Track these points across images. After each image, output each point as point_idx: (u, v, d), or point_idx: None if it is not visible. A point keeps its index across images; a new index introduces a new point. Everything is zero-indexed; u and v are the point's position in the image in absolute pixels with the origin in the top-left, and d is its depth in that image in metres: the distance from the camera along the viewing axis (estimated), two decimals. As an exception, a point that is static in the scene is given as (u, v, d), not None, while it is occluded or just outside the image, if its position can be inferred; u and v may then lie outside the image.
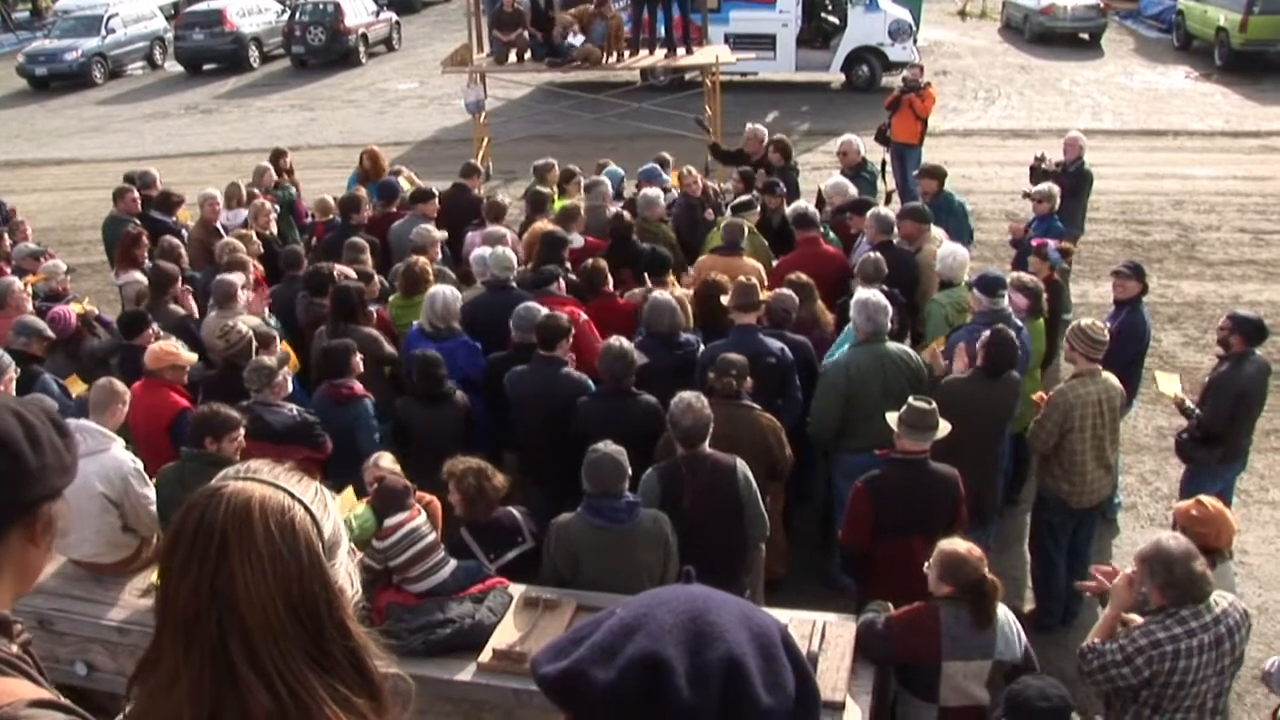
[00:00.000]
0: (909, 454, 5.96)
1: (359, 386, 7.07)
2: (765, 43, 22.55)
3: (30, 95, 28.62)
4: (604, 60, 17.36)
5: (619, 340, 6.81)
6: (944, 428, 5.96)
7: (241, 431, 5.95)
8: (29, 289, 8.79)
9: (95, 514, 5.79)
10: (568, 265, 8.63)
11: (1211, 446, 7.19)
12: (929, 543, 5.24)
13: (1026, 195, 10.92)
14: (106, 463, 5.86)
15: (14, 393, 6.66)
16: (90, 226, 14.61)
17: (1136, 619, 4.82)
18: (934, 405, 5.95)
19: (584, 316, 7.69)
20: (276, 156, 12.75)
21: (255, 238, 9.86)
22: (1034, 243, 9.06)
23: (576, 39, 17.22)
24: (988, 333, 6.90)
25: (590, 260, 8.38)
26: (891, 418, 6.04)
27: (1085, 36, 28.83)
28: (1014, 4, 30.87)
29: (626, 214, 9.67)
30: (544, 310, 7.35)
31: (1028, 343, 7.63)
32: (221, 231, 10.41)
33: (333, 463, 6.65)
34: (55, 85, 28.84)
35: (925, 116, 14.69)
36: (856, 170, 11.56)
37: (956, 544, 5.06)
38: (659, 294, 7.60)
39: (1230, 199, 16.43)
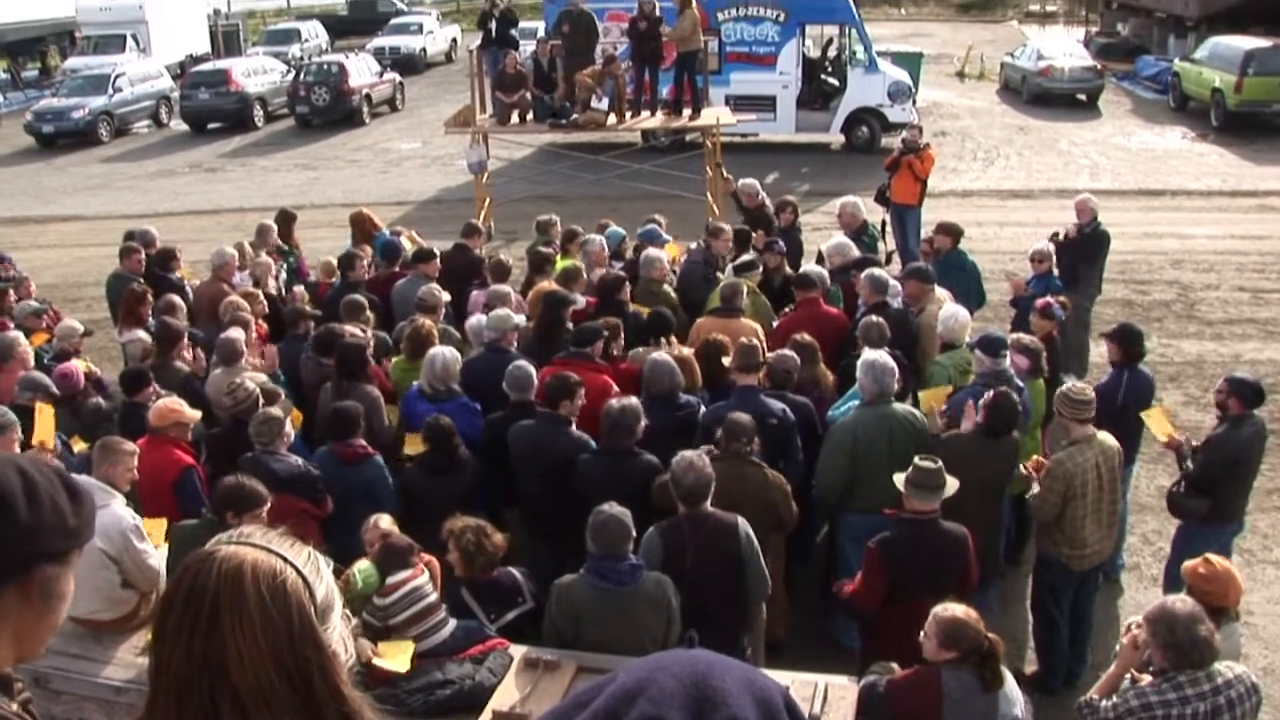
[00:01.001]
0: (919, 514, 5.95)
1: (369, 446, 7.08)
2: (765, 104, 22.79)
3: (37, 152, 28.89)
4: (608, 122, 17.51)
5: (621, 400, 6.81)
6: (952, 485, 5.94)
7: (265, 509, 5.79)
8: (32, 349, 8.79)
9: (94, 569, 5.75)
10: (569, 326, 8.60)
11: (1199, 497, 7.17)
12: (938, 603, 5.20)
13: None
14: (106, 519, 5.82)
15: (18, 449, 6.63)
16: (94, 283, 14.66)
17: (1146, 678, 4.77)
18: (940, 464, 5.95)
19: (615, 388, 7.60)
20: (289, 220, 12.77)
21: (261, 296, 9.90)
22: (1038, 303, 9.08)
23: (601, 103, 17.36)
24: (990, 393, 6.92)
25: (603, 320, 8.34)
26: (899, 479, 6.03)
27: (1083, 98, 29.17)
28: (1012, 65, 31.26)
29: (622, 273, 9.70)
30: (528, 368, 7.41)
31: (1028, 402, 7.63)
32: (233, 292, 10.42)
33: (339, 524, 6.63)
34: (62, 143, 29.11)
35: (924, 177, 14.79)
36: (857, 233, 11.56)
37: (954, 609, 5.01)
38: (658, 355, 7.61)
39: (1229, 258, 16.53)
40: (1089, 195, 12.20)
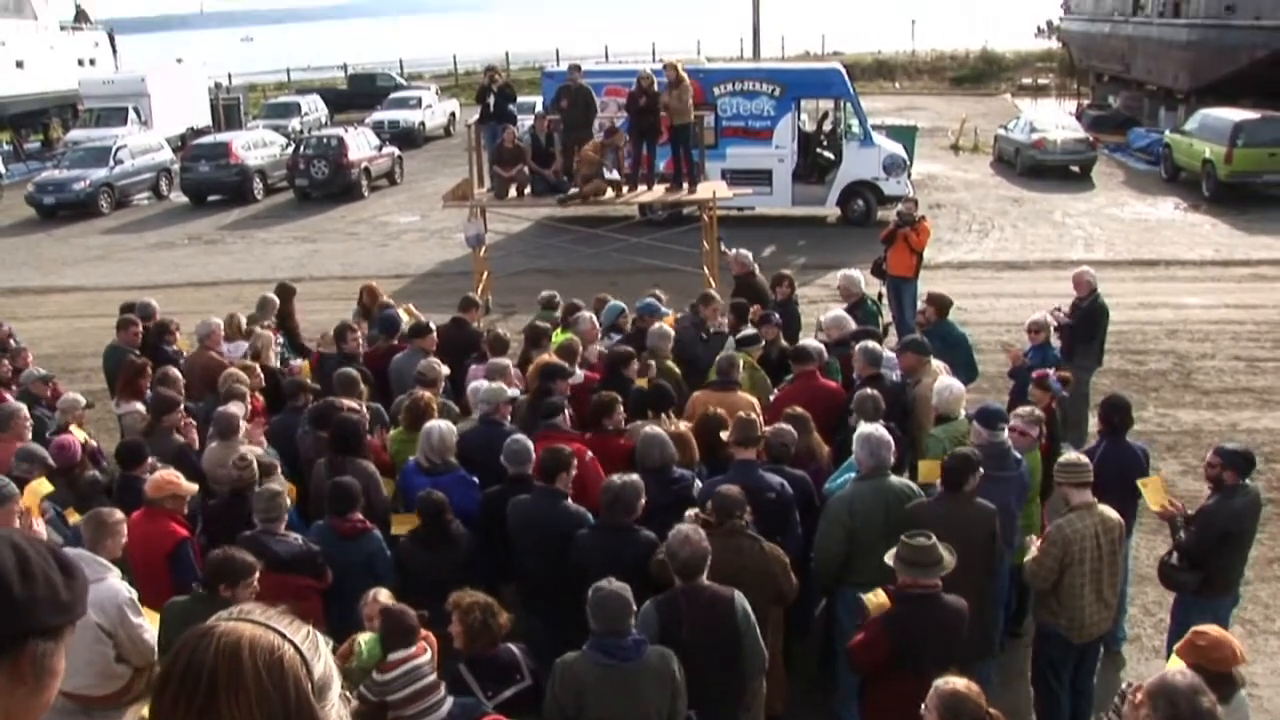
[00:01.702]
0: (923, 589, 5.91)
1: (366, 520, 7.06)
2: (762, 178, 22.94)
3: (38, 224, 29.08)
4: (608, 192, 17.63)
5: (623, 476, 6.77)
6: (949, 562, 5.89)
7: (256, 578, 5.83)
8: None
9: (88, 644, 5.72)
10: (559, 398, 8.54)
11: (1191, 570, 7.14)
12: (939, 676, 5.14)
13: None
14: (102, 592, 5.80)
15: (17, 522, 6.60)
16: (92, 354, 14.68)
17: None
18: (933, 539, 5.90)
19: (589, 454, 7.62)
20: (289, 294, 12.79)
21: (259, 369, 9.91)
22: (1035, 375, 9.10)
23: (612, 173, 17.51)
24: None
25: (604, 393, 8.33)
26: (889, 557, 5.98)
27: (1076, 169, 29.52)
28: (1005, 138, 31.62)
29: (629, 348, 9.69)
30: (526, 441, 7.40)
31: (1026, 475, 7.62)
32: (222, 359, 10.43)
33: (338, 598, 6.60)
34: (63, 214, 29.29)
35: (920, 250, 14.88)
36: (855, 306, 11.57)
37: (954, 682, 4.95)
38: (649, 428, 7.60)
39: (1224, 327, 16.61)
40: (1087, 269, 12.20)
